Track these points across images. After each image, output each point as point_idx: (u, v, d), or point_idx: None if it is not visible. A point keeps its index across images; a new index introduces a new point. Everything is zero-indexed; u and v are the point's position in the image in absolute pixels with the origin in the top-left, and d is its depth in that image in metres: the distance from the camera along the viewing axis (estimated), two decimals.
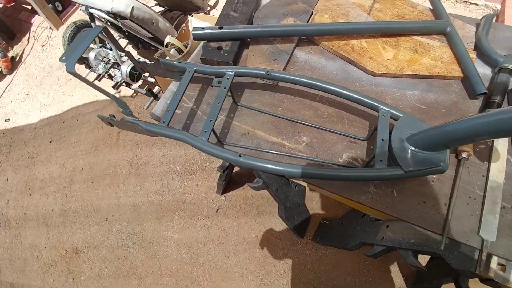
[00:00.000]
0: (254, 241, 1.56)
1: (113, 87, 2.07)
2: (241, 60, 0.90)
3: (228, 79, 0.74)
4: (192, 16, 1.72)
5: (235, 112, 0.81)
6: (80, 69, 2.42)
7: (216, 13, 2.54)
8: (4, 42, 2.83)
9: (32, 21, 2.94)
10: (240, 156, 0.61)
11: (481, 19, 0.91)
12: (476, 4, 2.23)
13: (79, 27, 2.17)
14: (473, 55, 0.82)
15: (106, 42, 2.28)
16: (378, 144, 0.63)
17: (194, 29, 0.86)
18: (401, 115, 0.65)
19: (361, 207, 1.11)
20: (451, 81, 0.82)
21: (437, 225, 0.65)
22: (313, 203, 1.60)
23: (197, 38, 0.88)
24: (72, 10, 2.88)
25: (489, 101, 0.75)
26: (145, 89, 2.06)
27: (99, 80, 2.13)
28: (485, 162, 0.70)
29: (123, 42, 2.47)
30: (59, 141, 2.16)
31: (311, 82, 0.70)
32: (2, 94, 2.62)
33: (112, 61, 2.11)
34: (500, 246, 0.60)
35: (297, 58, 0.89)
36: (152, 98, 2.03)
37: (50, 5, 2.69)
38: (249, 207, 1.64)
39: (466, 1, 2.24)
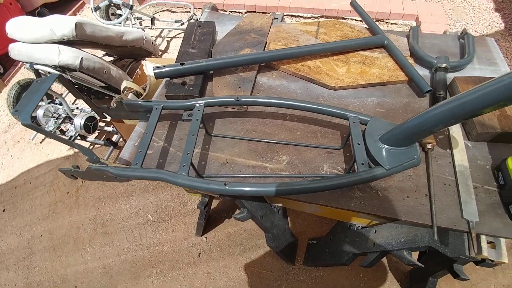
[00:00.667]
0: (244, 279, 1.45)
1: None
2: (206, 92, 0.91)
3: (198, 110, 0.73)
4: (145, 60, 1.73)
5: (210, 143, 0.79)
6: (28, 130, 2.21)
7: (167, 56, 2.59)
8: None
9: None
10: (226, 185, 0.59)
11: (409, 31, 1.06)
12: (396, 23, 2.62)
13: (23, 87, 2.04)
14: (411, 61, 0.94)
15: (54, 98, 2.15)
16: (355, 149, 0.65)
17: (155, 68, 0.86)
18: (369, 119, 0.69)
19: (346, 217, 1.12)
20: (400, 85, 0.92)
21: (425, 216, 0.67)
22: (296, 225, 1.57)
23: (159, 76, 0.87)
24: (14, 70, 2.71)
25: (436, 96, 0.85)
26: (103, 139, 1.94)
27: (50, 138, 1.96)
28: (448, 149, 0.77)
29: (71, 96, 2.35)
30: (12, 209, 1.89)
31: (281, 102, 0.73)
32: None
33: (63, 115, 1.98)
34: (484, 225, 0.64)
35: (261, 83, 0.93)
36: (111, 147, 1.91)
37: None
38: (233, 244, 1.55)
39: (387, 22, 2.63)
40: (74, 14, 3.16)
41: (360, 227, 1.15)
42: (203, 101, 0.75)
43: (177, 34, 2.75)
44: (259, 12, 2.80)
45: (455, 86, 0.87)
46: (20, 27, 1.59)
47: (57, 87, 2.36)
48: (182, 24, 2.55)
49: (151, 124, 0.72)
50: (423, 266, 0.85)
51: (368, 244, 1.03)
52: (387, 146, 0.64)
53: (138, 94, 1.50)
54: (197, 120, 0.71)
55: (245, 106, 0.81)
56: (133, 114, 0.82)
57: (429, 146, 0.72)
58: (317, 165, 0.74)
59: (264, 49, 1.01)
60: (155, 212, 1.71)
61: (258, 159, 0.75)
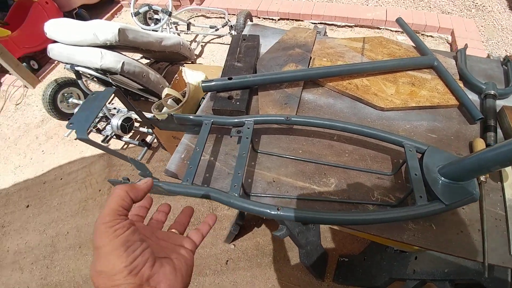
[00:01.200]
0: None
1: (103, 141, 1.99)
2: (251, 107, 0.91)
3: (248, 128, 0.73)
4: (183, 66, 1.77)
5: (256, 160, 0.78)
6: (63, 125, 2.33)
7: (202, 61, 2.64)
8: None
9: (2, 81, 2.86)
10: (279, 210, 0.58)
11: (456, 53, 1.01)
12: (431, 36, 2.53)
13: (61, 85, 2.14)
14: (461, 84, 0.90)
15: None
16: (413, 180, 0.62)
17: (204, 81, 0.87)
18: (426, 148, 0.66)
19: (384, 241, 1.08)
20: (450, 109, 0.88)
21: (477, 252, 0.63)
22: (327, 240, 1.54)
23: (206, 90, 0.88)
24: (50, 68, 2.86)
25: (486, 125, 0.81)
26: (137, 140, 2.01)
27: (104, 151, 2.05)
28: (498, 182, 0.73)
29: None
30: (38, 205, 1.97)
31: (333, 124, 0.71)
32: None
33: (100, 114, 2.07)
34: None
35: (306, 100, 0.92)
36: (145, 148, 1.97)
37: (25, 64, 2.66)
38: (262, 254, 1.54)
39: (423, 34, 2.53)
40: (112, 17, 3.29)
41: (398, 251, 1.11)
42: (252, 119, 0.75)
43: (211, 40, 2.80)
44: (292, 20, 2.79)
45: (503, 115, 0.83)
46: (62, 29, 1.67)
47: (94, 87, 2.46)
48: (217, 29, 2.58)
49: (201, 139, 0.72)
50: None
51: (408, 271, 0.99)
52: (446, 180, 0.61)
53: (177, 100, 1.54)
54: (247, 138, 0.71)
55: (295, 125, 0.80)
56: (181, 127, 0.83)
57: (482, 179, 0.68)
58: (367, 190, 0.71)
59: (308, 65, 1.00)
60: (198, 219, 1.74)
61: (306, 180, 0.74)
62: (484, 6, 2.71)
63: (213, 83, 0.87)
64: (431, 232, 0.66)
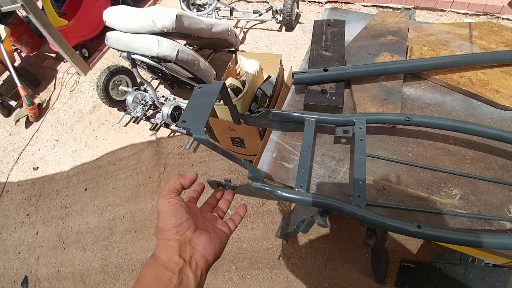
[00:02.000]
0: None
1: (152, 129, 2.01)
2: (344, 102, 0.82)
3: (360, 128, 0.65)
4: (235, 54, 1.69)
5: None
6: (113, 112, 2.37)
7: (244, 48, 2.55)
8: (30, 90, 2.83)
9: (58, 68, 2.97)
10: (420, 227, 0.50)
11: None
12: (508, 19, 2.23)
13: (113, 72, 2.16)
14: None
15: (140, 85, 2.26)
16: None
17: (296, 73, 0.79)
18: None
19: (475, 252, 0.97)
20: None
21: None
22: (387, 241, 1.45)
23: (298, 82, 0.80)
24: (99, 55, 2.92)
25: None
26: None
27: (137, 123, 2.08)
28: None
29: (154, 82, 2.45)
30: (95, 189, 2.06)
31: (465, 126, 0.61)
32: (29, 141, 2.56)
33: (150, 103, 2.07)
34: None
35: (408, 95, 0.81)
36: (193, 137, 1.95)
37: (78, 52, 2.73)
38: (316, 252, 1.49)
39: (497, 17, 2.25)
40: (154, 3, 3.26)
41: (490, 265, 1.00)
42: (364, 117, 0.66)
43: (254, 25, 2.69)
44: (341, 2, 2.59)
45: None
46: (121, 16, 1.65)
47: (143, 74, 2.48)
48: (260, 14, 2.47)
49: (307, 140, 0.66)
50: None
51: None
52: None
53: (234, 90, 1.48)
54: (361, 140, 0.63)
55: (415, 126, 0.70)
56: (273, 123, 0.77)
57: None
58: (500, 205, 0.61)
59: (406, 55, 0.88)
60: (234, 207, 1.72)
61: (422, 189, 0.65)
62: None
63: (306, 75, 0.79)
64: None
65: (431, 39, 0.90)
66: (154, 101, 2.06)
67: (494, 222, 0.60)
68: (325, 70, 0.78)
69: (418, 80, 0.84)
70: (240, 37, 2.62)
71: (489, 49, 0.85)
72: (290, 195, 0.57)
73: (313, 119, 0.69)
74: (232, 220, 0.56)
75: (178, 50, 1.62)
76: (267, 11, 2.46)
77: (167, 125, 2.04)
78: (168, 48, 1.60)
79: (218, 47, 2.27)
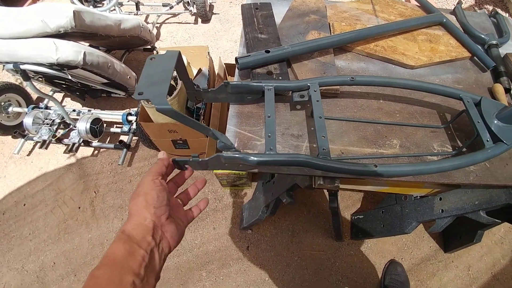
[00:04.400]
0: (299, 264, 1.48)
1: (68, 151, 1.69)
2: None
3: (315, 91, 0.69)
4: (156, 50, 1.56)
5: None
6: (6, 141, 1.89)
7: (161, 44, 2.36)
8: None
9: None
10: (376, 166, 0.58)
11: (454, 9, 1.10)
12: None
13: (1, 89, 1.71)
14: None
15: (39, 103, 1.86)
16: (478, 127, 0.68)
17: (239, 57, 0.78)
18: (479, 98, 0.72)
19: (408, 190, 1.17)
20: (464, 61, 0.96)
21: None
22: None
23: (244, 67, 0.79)
24: None
25: (498, 71, 0.91)
26: (108, 142, 1.75)
27: (46, 148, 1.72)
28: None
29: (57, 96, 2.05)
30: (5, 240, 1.61)
31: (397, 81, 0.71)
32: None
33: (57, 121, 1.73)
34: None
35: (340, 67, 0.90)
36: (124, 150, 1.73)
37: None
38: (281, 231, 1.56)
39: None
40: (34, 2, 2.66)
41: (418, 197, 1.23)
42: (317, 81, 0.70)
43: (166, 20, 2.50)
44: None
45: (508, 61, 0.94)
46: None
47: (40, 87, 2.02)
48: (171, 7, 2.31)
49: (270, 106, 0.65)
50: (501, 222, 0.95)
51: (435, 211, 1.11)
52: (504, 124, 0.68)
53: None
54: (317, 101, 0.67)
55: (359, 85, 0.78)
56: (232, 96, 0.74)
57: None
58: (428, 145, 0.75)
59: (330, 31, 0.97)
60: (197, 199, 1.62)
61: (372, 146, 0.74)
62: None
63: (250, 58, 0.78)
64: (488, 170, 0.73)
65: (346, 16, 1.01)
66: (63, 118, 1.72)
67: (427, 158, 0.73)
68: (267, 51, 0.79)
69: (344, 52, 0.94)
70: (154, 33, 2.41)
71: (390, 20, 1.01)
72: (263, 158, 0.57)
73: (271, 87, 0.69)
74: (191, 211, 0.57)
75: (84, 52, 1.38)
76: (177, 3, 2.33)
77: (87, 143, 1.75)
78: (71, 51, 1.34)
79: (132, 46, 2.04)
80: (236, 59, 0.78)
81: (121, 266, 0.38)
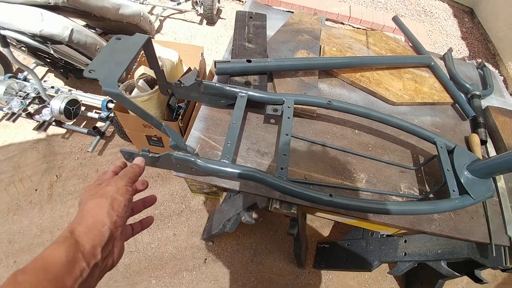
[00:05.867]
0: (254, 284, 1.41)
1: (38, 128, 1.60)
2: None
3: (289, 107, 0.65)
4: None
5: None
6: None
7: (162, 38, 2.33)
8: None
9: None
10: (331, 196, 0.54)
11: (444, 55, 1.11)
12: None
13: None
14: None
15: (18, 73, 1.77)
16: (446, 174, 0.66)
17: (218, 62, 0.74)
18: (453, 146, 0.70)
19: (375, 227, 1.15)
20: (445, 106, 0.96)
21: (484, 235, 0.71)
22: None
23: (221, 72, 0.75)
24: None
25: (476, 122, 0.91)
26: (83, 127, 1.67)
27: (13, 121, 1.62)
28: None
29: (40, 70, 1.97)
30: None
31: (375, 114, 0.69)
32: None
33: (32, 95, 1.65)
34: None
35: (322, 90, 0.88)
36: (97, 137, 1.65)
37: None
38: (243, 247, 1.49)
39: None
40: None
41: (384, 235, 1.19)
42: (292, 98, 0.67)
43: (171, 14, 2.48)
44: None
45: (488, 114, 0.95)
46: None
47: (22, 58, 1.93)
48: (179, 3, 2.30)
49: (238, 113, 0.62)
50: (460, 275, 0.92)
51: (398, 253, 1.08)
52: (473, 177, 0.66)
53: (148, 82, 1.31)
54: (288, 118, 0.64)
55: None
56: (204, 97, 0.70)
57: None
58: (395, 184, 0.73)
59: (320, 53, 0.96)
60: (152, 213, 1.54)
61: (338, 176, 0.71)
62: (431, 12, 3.12)
63: (229, 64, 0.75)
64: (452, 221, 0.71)
65: (338, 42, 1.01)
66: (39, 93, 1.64)
67: (390, 197, 0.70)
68: (249, 61, 0.76)
69: (329, 77, 0.92)
70: (156, 25, 2.38)
71: (381, 54, 1.01)
72: (214, 166, 0.53)
73: (245, 94, 0.66)
74: (131, 227, 0.50)
75: (72, 29, 1.33)
76: (186, 0, 2.32)
77: (59, 124, 1.66)
78: (57, 25, 1.29)
79: (129, 34, 1.99)
80: (214, 62, 0.75)
81: (53, 276, 0.31)
